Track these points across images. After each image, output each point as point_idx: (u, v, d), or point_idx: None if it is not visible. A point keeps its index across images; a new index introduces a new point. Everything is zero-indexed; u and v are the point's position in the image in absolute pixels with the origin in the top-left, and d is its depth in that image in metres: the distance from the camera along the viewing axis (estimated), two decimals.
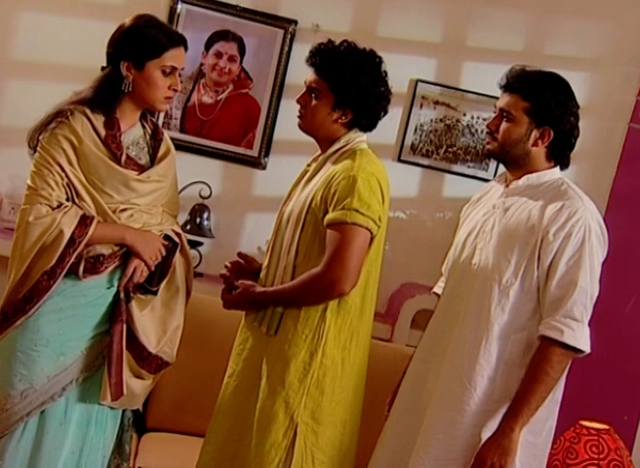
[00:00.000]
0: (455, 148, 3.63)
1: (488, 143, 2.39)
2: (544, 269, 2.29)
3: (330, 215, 2.25)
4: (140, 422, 2.96)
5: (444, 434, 2.29)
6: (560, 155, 2.37)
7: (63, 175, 2.16)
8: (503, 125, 2.34)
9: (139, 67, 2.23)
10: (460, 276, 2.42)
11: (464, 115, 3.61)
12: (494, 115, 2.37)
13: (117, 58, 2.25)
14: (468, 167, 3.66)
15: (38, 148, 2.24)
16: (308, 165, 2.40)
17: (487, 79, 3.25)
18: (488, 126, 2.37)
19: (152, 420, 3.03)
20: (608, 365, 2.82)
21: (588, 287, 2.29)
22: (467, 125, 3.62)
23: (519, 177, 2.39)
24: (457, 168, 3.66)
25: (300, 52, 3.28)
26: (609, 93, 3.57)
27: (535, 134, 2.32)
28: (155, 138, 2.35)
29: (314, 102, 2.29)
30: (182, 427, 3.01)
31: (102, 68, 2.27)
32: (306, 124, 2.33)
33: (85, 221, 2.15)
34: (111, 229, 2.21)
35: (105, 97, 2.24)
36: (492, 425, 2.24)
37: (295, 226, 2.27)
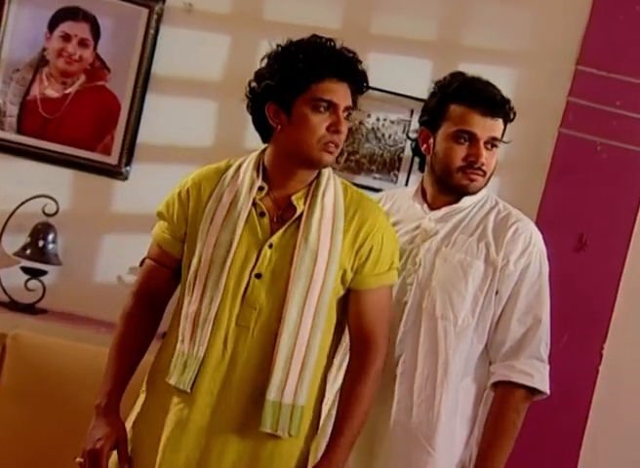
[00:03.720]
0: (357, 156, 3.57)
1: (474, 180, 2.35)
2: (502, 304, 2.34)
3: (374, 278, 2.19)
4: None
5: None
6: None
7: None
8: (490, 155, 2.36)
9: None
10: (391, 318, 2.31)
11: (369, 116, 3.54)
12: (480, 147, 2.32)
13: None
14: (374, 178, 3.59)
15: None
16: (260, 199, 2.17)
17: (395, 74, 3.46)
18: (481, 162, 2.33)
19: None
20: (542, 409, 2.72)
21: (548, 321, 2.36)
22: (373, 128, 3.56)
23: (454, 201, 2.41)
24: (360, 179, 3.55)
25: (170, 35, 3.46)
26: (536, 92, 3.54)
27: None
28: None
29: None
30: None
31: None
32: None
33: None
34: None
35: None
36: None
37: (313, 322, 2.12)
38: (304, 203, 2.16)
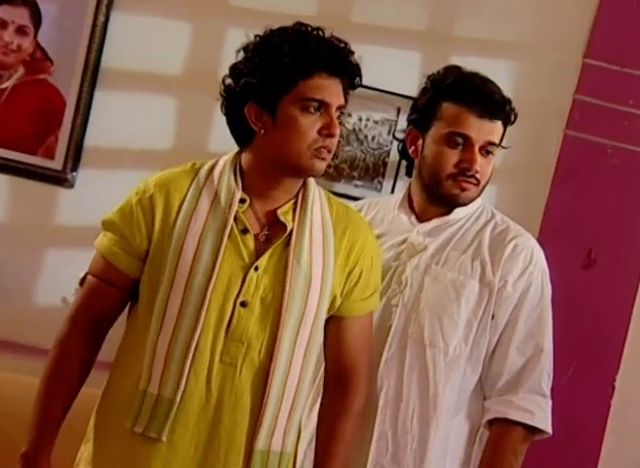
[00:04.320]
0: (337, 161, 3.56)
1: (465, 190, 2.34)
2: (499, 330, 2.32)
3: (361, 304, 2.22)
4: None
5: None
6: None
7: None
8: (486, 162, 2.34)
9: None
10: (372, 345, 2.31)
11: (349, 116, 3.50)
12: (475, 152, 2.31)
13: None
14: (355, 186, 3.56)
15: None
16: (242, 212, 2.13)
17: (379, 67, 3.18)
18: (475, 169, 2.32)
19: None
20: (545, 449, 2.77)
21: (550, 349, 2.34)
22: (354, 129, 3.55)
23: (445, 212, 2.39)
24: (339, 187, 3.52)
25: (122, 23, 3.43)
26: (538, 88, 3.51)
27: None
28: None
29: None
30: None
31: None
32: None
33: None
34: None
35: None
36: None
37: (305, 357, 2.12)
38: (293, 218, 2.12)
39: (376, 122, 3.56)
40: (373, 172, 3.59)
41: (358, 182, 3.60)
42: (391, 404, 2.33)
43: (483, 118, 2.32)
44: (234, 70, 2.12)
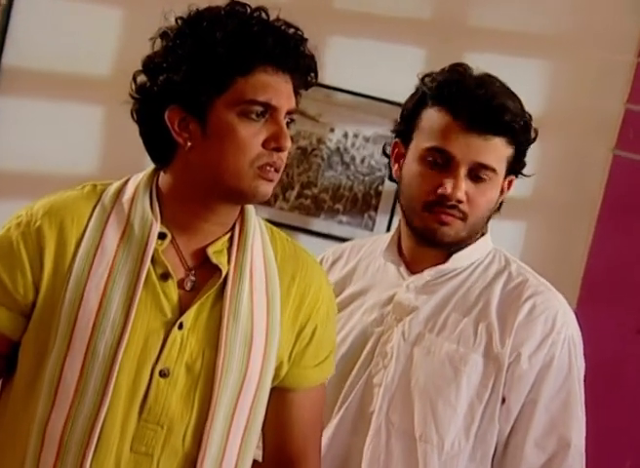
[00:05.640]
0: (316, 190, 3.49)
1: (445, 223, 2.20)
2: (511, 419, 2.22)
3: (315, 372, 2.12)
4: None
5: None
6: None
7: None
8: (479, 190, 2.19)
9: None
10: (346, 433, 2.26)
11: (332, 131, 3.47)
12: (459, 176, 2.19)
13: None
14: (340, 223, 3.48)
15: None
16: (162, 251, 2.02)
17: (371, 69, 3.30)
18: (457, 197, 2.20)
19: None
20: None
21: (581, 444, 2.21)
22: (338, 148, 3.49)
23: (442, 259, 2.26)
24: (319, 224, 3.45)
25: (28, 11, 3.31)
26: (579, 96, 3.40)
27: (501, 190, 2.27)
28: None
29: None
30: None
31: None
32: None
33: None
34: None
35: None
36: None
37: (243, 441, 2.02)
38: (228, 259, 2.00)
39: (366, 139, 3.49)
40: (363, 204, 3.51)
41: (343, 218, 3.53)
42: None
43: (472, 131, 2.14)
44: (150, 64, 1.95)
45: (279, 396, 2.08)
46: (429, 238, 2.20)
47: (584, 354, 2.25)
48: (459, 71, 2.24)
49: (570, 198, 3.40)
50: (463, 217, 2.19)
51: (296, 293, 2.07)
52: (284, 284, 2.07)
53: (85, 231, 1.97)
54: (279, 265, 2.07)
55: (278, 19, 1.95)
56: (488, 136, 2.15)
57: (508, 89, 2.23)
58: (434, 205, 2.18)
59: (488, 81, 2.19)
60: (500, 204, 2.30)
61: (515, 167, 2.23)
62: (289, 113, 1.95)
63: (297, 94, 1.99)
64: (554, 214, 3.40)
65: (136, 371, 1.95)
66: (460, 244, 2.23)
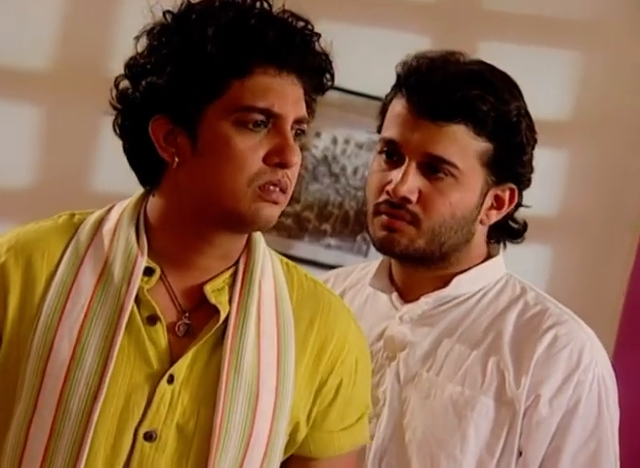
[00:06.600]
0: (298, 207, 3.39)
1: (392, 229, 2.05)
2: None
3: (343, 436, 2.00)
4: None
5: None
6: (505, 231, 2.16)
7: None
8: (436, 188, 2.05)
9: None
10: None
11: (318, 136, 3.37)
12: (406, 170, 2.06)
13: None
14: (327, 247, 3.38)
15: None
16: (149, 290, 1.94)
17: (366, 61, 3.23)
18: (400, 193, 2.06)
19: None
20: None
21: None
22: (325, 156, 3.39)
23: (442, 284, 2.12)
24: (302, 249, 3.37)
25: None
26: (619, 95, 3.26)
27: (490, 199, 2.08)
28: None
29: None
30: None
31: None
32: None
33: None
34: None
35: None
36: None
37: None
38: (230, 299, 1.88)
39: (359, 145, 3.40)
40: (355, 224, 3.39)
41: (332, 241, 3.42)
42: None
43: (421, 117, 2.02)
44: (132, 66, 1.87)
45: (299, 466, 1.97)
46: (382, 249, 2.08)
47: (620, 407, 2.11)
48: (433, 57, 2.10)
49: (605, 217, 3.32)
50: (414, 221, 2.05)
51: (315, 341, 1.97)
52: (300, 329, 1.96)
53: (57, 268, 1.91)
54: (295, 307, 1.96)
55: (284, 11, 1.83)
56: (440, 123, 2.02)
57: (493, 75, 2.04)
58: (380, 206, 2.09)
59: (454, 62, 2.05)
60: (507, 223, 2.12)
61: (507, 170, 2.04)
62: (297, 122, 1.80)
63: (309, 100, 1.84)
64: (586, 237, 3.33)
65: (115, 434, 1.85)
66: (424, 256, 2.06)
